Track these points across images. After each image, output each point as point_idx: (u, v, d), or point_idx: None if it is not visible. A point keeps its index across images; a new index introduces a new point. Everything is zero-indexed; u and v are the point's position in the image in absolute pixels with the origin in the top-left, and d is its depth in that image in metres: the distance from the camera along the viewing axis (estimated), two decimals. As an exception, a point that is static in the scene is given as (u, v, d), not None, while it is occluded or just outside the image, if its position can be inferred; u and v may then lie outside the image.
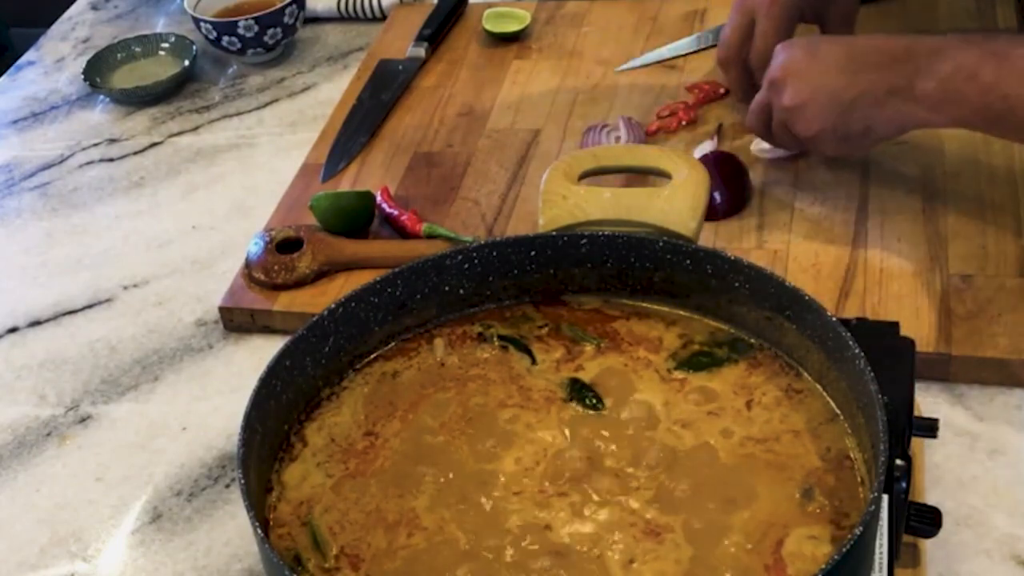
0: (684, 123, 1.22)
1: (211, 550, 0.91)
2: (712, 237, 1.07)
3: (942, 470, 0.89)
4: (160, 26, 1.57)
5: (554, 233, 0.85)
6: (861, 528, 0.63)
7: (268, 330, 1.09)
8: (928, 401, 0.93)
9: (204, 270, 1.18)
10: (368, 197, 1.14)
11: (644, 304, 0.86)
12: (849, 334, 0.73)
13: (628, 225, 0.85)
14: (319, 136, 1.29)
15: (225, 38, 1.41)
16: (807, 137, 1.04)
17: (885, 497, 0.73)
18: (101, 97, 1.45)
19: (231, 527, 0.93)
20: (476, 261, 0.85)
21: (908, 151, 1.14)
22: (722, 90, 1.25)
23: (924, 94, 0.96)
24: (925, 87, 0.96)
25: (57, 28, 1.62)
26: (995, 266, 1.01)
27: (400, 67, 1.37)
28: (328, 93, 1.39)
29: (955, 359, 0.94)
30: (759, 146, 1.16)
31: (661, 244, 0.83)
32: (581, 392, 0.81)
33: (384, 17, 1.50)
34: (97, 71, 1.45)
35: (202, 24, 1.41)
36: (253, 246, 1.12)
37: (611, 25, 1.40)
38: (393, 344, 0.86)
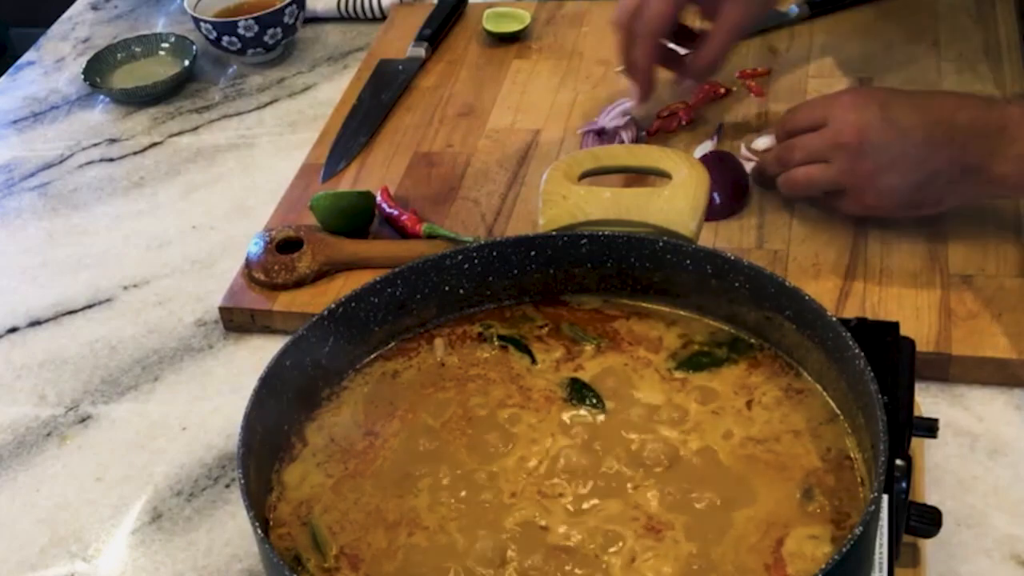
0: (684, 123, 1.22)
1: (211, 550, 0.91)
2: (712, 237, 1.07)
3: (942, 470, 0.89)
4: (160, 26, 1.57)
5: (554, 233, 0.85)
6: (861, 528, 0.64)
7: (268, 330, 1.09)
8: (928, 401, 0.93)
9: (204, 270, 1.18)
10: (368, 197, 1.14)
11: (644, 304, 0.86)
12: (849, 334, 0.73)
13: (628, 225, 0.85)
14: (319, 136, 1.29)
15: (225, 38, 1.41)
16: (871, 205, 1.02)
17: (885, 497, 0.73)
18: (101, 97, 1.45)
19: (231, 527, 0.93)
20: (476, 261, 0.85)
21: (908, 151, 1.14)
22: (722, 90, 1.25)
23: (1001, 177, 0.96)
24: (1002, 170, 0.95)
25: (57, 28, 1.62)
26: (995, 266, 1.01)
27: (400, 67, 1.37)
28: (328, 93, 1.39)
29: (955, 359, 0.94)
30: (757, 145, 1.15)
31: (661, 244, 0.83)
32: (581, 392, 0.81)
33: (384, 17, 1.50)
34: (97, 71, 1.45)
35: (202, 24, 1.41)
36: (253, 246, 1.12)
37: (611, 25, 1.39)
38: (393, 344, 0.86)
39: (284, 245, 1.11)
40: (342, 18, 1.52)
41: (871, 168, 0.99)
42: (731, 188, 1.10)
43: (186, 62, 1.44)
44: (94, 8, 1.65)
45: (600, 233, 0.84)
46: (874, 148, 0.99)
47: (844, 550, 0.63)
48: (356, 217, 1.13)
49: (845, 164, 1.01)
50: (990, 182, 0.97)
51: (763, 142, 1.16)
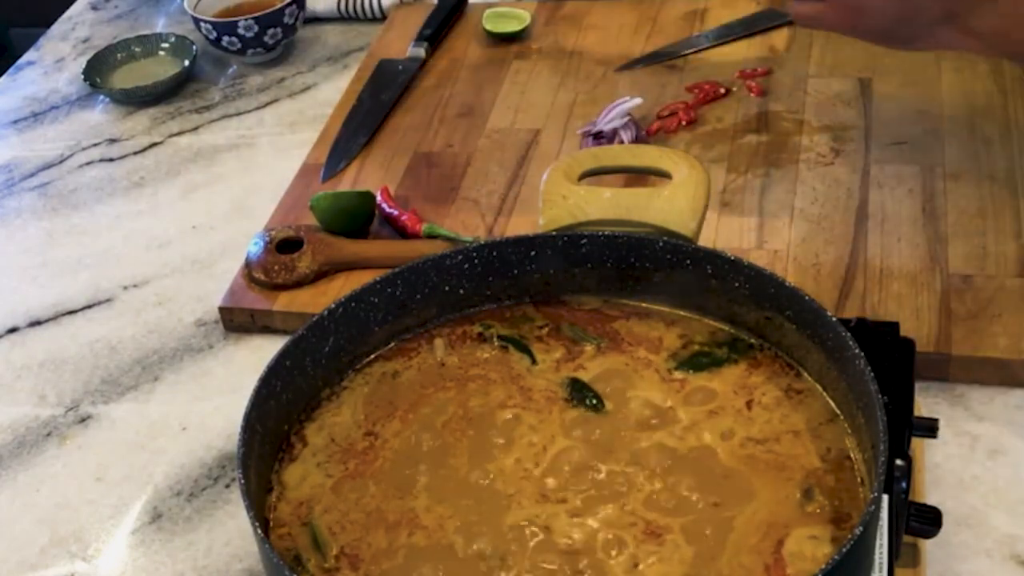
0: (684, 123, 1.22)
1: (211, 550, 0.91)
2: (712, 237, 1.07)
3: (942, 470, 0.89)
4: (160, 26, 1.57)
5: (554, 233, 0.85)
6: (861, 528, 0.64)
7: (268, 330, 1.09)
8: (928, 401, 0.93)
9: (204, 270, 1.18)
10: (368, 197, 1.14)
11: (644, 304, 0.86)
12: (849, 334, 0.73)
13: (628, 225, 0.85)
14: (319, 136, 1.29)
15: (225, 38, 1.41)
16: (850, 23, 1.00)
17: (885, 497, 0.73)
18: (101, 97, 1.45)
19: (231, 527, 0.93)
20: (476, 261, 0.85)
21: (908, 151, 1.14)
22: (722, 90, 1.25)
23: (980, 30, 0.95)
24: (983, 24, 0.95)
25: (57, 28, 1.62)
26: (995, 266, 1.01)
27: (400, 67, 1.37)
28: (328, 93, 1.39)
29: (955, 359, 0.94)
30: None
31: (661, 244, 0.83)
32: (582, 392, 0.81)
33: (384, 17, 1.50)
34: (97, 71, 1.45)
35: (202, 24, 1.41)
36: (253, 246, 1.12)
37: (611, 25, 1.40)
38: (393, 344, 0.86)
39: (284, 245, 1.11)
40: (342, 18, 1.52)
41: None
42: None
43: (186, 62, 1.44)
44: (94, 8, 1.65)
45: (600, 233, 0.84)
46: None
47: (844, 550, 0.63)
48: (356, 217, 1.13)
49: None
50: (968, 34, 0.96)
51: None
